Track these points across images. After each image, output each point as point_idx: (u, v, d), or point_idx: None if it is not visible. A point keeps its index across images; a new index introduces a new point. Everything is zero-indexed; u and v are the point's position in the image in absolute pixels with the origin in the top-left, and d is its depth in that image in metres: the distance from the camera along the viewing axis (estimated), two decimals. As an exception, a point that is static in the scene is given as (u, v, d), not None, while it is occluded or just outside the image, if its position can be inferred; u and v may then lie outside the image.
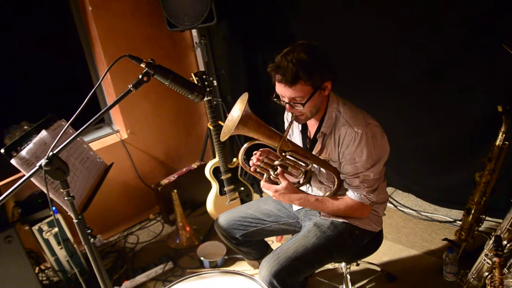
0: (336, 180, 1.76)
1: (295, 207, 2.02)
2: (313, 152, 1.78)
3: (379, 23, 2.63)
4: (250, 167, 1.76)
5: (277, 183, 1.75)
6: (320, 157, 1.76)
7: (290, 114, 1.68)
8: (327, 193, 1.81)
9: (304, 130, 1.88)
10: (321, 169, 1.81)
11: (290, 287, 1.69)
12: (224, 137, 1.62)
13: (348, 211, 1.75)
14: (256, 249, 2.18)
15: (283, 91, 1.60)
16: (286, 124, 1.97)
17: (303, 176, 1.78)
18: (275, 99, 1.67)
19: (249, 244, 2.12)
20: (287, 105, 1.65)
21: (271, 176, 1.74)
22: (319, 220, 1.83)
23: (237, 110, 1.59)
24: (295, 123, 1.89)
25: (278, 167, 1.72)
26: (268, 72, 1.63)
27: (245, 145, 1.70)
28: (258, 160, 1.73)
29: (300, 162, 1.73)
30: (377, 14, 2.62)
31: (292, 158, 1.71)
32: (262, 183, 1.76)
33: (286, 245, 1.74)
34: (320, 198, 1.77)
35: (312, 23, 2.90)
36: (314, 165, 1.76)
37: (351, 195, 1.73)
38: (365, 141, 1.63)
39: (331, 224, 1.80)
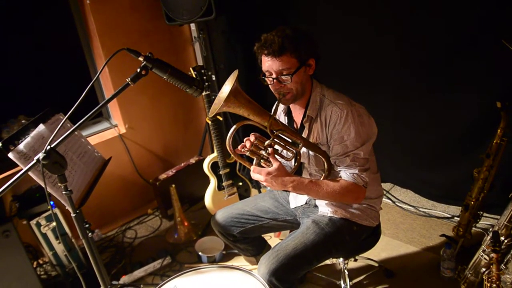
0: (326, 165, 1.74)
1: (293, 205, 2.01)
2: (304, 135, 1.78)
3: (378, 21, 2.63)
4: (236, 152, 1.69)
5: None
6: (311, 140, 1.76)
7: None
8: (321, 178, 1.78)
9: (290, 121, 1.89)
10: (310, 156, 1.80)
11: (289, 284, 1.69)
12: (213, 112, 1.59)
13: (343, 192, 1.66)
14: (253, 245, 2.18)
15: (270, 65, 1.64)
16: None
17: (294, 159, 1.74)
18: (263, 77, 1.69)
19: (246, 240, 2.12)
20: (274, 82, 1.66)
21: (261, 161, 1.67)
22: (317, 217, 1.83)
23: (228, 85, 1.58)
24: (281, 114, 1.92)
25: (269, 147, 1.66)
26: (255, 52, 1.68)
27: (234, 126, 1.64)
28: (248, 141, 1.68)
29: (291, 142, 1.70)
30: (377, 12, 2.61)
31: (282, 137, 1.68)
32: (252, 167, 1.65)
33: (285, 243, 1.74)
34: (314, 180, 1.69)
35: (311, 20, 2.88)
36: (303, 152, 1.75)
37: (344, 176, 1.68)
38: (351, 118, 1.63)
39: (330, 221, 1.80)
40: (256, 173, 1.63)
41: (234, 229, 2.02)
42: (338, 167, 1.71)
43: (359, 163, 1.66)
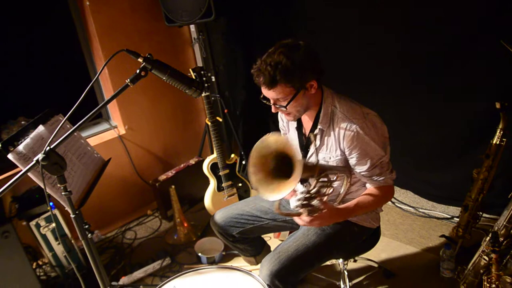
0: (346, 181, 1.74)
1: (293, 204, 2.01)
2: (312, 149, 1.76)
3: (378, 21, 2.63)
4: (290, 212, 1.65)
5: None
6: (320, 153, 1.73)
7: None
8: (345, 184, 1.74)
9: (300, 127, 1.85)
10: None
11: (290, 285, 1.70)
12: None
13: (381, 200, 1.75)
14: (252, 245, 2.18)
15: (265, 92, 1.60)
16: (281, 123, 1.97)
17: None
18: (263, 100, 1.67)
19: (245, 241, 2.11)
20: (272, 106, 1.64)
21: (310, 207, 1.59)
22: None
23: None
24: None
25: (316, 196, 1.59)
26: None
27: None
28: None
29: (330, 178, 1.66)
30: (377, 11, 2.62)
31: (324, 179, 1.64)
32: (305, 219, 1.58)
33: (287, 244, 1.74)
34: (355, 204, 1.69)
35: (310, 20, 2.88)
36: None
37: (376, 184, 1.71)
38: (368, 131, 1.60)
39: None
40: (312, 221, 1.60)
41: (234, 230, 2.01)
42: (368, 179, 1.70)
43: (386, 167, 1.70)
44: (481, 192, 2.19)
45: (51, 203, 2.34)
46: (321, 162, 1.73)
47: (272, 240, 2.75)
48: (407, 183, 3.14)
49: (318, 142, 1.73)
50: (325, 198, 1.64)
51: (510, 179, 2.37)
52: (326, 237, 1.75)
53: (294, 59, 1.51)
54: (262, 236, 2.27)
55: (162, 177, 3.16)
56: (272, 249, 2.26)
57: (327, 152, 1.72)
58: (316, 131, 1.70)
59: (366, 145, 1.62)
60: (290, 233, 2.72)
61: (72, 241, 2.48)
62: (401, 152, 2.99)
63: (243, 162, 3.16)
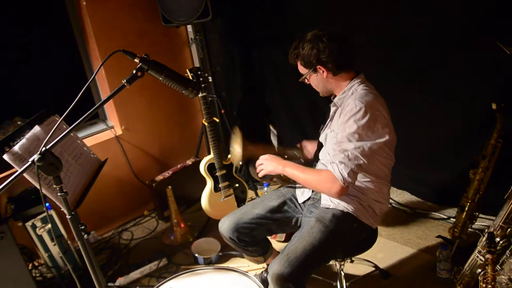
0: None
1: (300, 200, 2.02)
2: (327, 120, 1.92)
3: (375, 21, 2.63)
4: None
5: None
6: (331, 127, 1.86)
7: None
8: None
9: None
10: (327, 139, 1.87)
11: (302, 287, 1.70)
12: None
13: (319, 182, 1.71)
14: (261, 245, 2.17)
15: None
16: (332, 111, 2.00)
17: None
18: None
19: (255, 242, 2.10)
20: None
21: None
22: (320, 214, 1.83)
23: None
24: None
25: None
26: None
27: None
28: None
29: None
30: (375, 12, 2.62)
31: None
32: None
33: (293, 245, 1.73)
34: (301, 167, 1.84)
35: (309, 21, 2.89)
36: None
37: (328, 166, 1.70)
38: (360, 116, 1.63)
39: (333, 217, 1.80)
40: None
41: (246, 235, 1.99)
42: (328, 155, 1.78)
43: (344, 155, 1.63)
44: (477, 192, 2.20)
45: (47, 204, 2.33)
46: (329, 135, 1.86)
47: (270, 241, 2.75)
48: (403, 183, 3.14)
49: (329, 117, 1.89)
50: None
51: (506, 179, 2.37)
52: (330, 233, 1.76)
53: (304, 47, 1.80)
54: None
55: (159, 177, 3.15)
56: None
57: (332, 127, 1.83)
58: (332, 103, 1.87)
59: (351, 124, 1.65)
60: (287, 234, 2.72)
61: (68, 242, 2.47)
62: (397, 152, 3.00)
63: (240, 163, 3.16)
